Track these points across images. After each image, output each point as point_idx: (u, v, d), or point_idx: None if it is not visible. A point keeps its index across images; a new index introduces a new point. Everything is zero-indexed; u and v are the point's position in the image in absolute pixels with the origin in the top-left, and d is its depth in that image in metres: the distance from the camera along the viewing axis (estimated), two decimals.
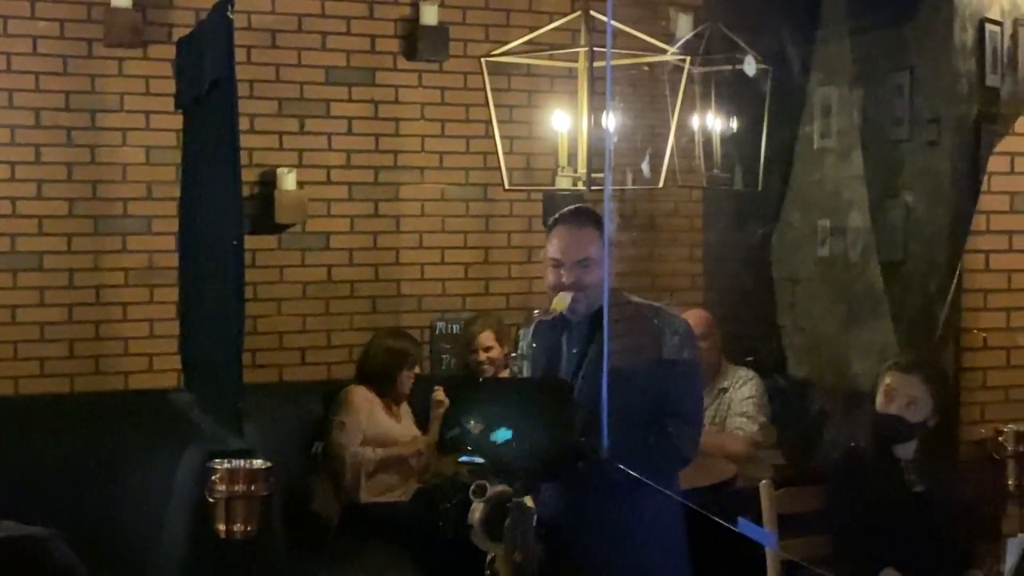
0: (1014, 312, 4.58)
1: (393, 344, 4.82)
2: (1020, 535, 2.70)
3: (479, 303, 5.42)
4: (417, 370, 4.82)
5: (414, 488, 4.71)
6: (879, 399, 3.44)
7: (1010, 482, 3.44)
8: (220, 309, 3.95)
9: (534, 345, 3.15)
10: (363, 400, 4.70)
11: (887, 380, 3.44)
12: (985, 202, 4.46)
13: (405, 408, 4.87)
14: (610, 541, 2.98)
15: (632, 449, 2.89)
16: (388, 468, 4.67)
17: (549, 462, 2.60)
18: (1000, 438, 3.47)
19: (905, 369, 3.45)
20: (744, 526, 1.87)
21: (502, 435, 2.61)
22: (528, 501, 2.62)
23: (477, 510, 2.64)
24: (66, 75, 4.77)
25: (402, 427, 4.80)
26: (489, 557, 2.78)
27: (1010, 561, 2.65)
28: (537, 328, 3.15)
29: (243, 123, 4.41)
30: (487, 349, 4.82)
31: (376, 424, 4.69)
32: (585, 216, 3.10)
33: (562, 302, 2.98)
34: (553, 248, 3.06)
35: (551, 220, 3.17)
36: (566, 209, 3.21)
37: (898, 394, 3.40)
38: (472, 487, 2.59)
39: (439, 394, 4.78)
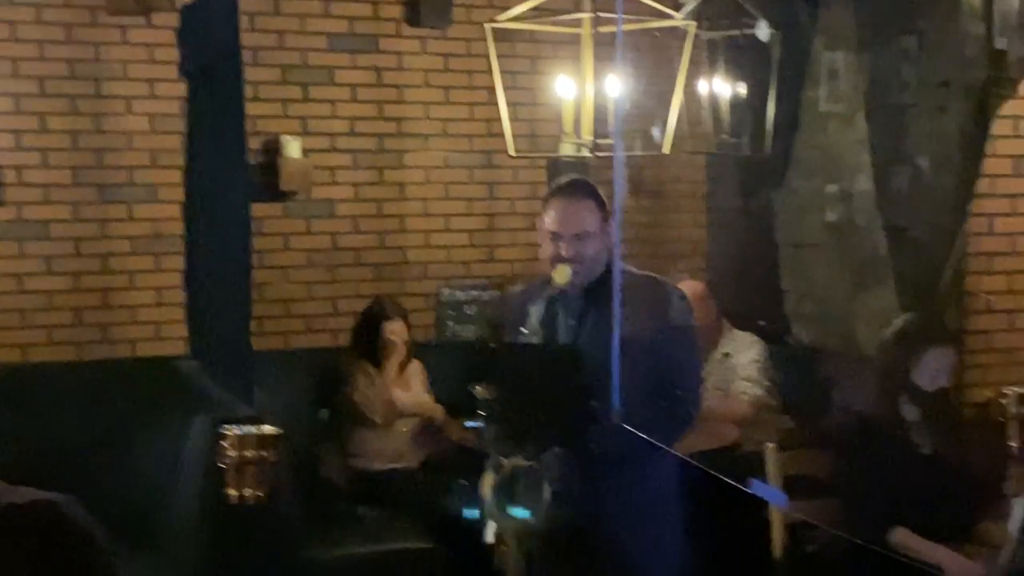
0: (1018, 275, 4.59)
1: (371, 309, 4.84)
2: None
3: (484, 270, 5.43)
4: (402, 323, 4.79)
5: (422, 455, 4.74)
6: (921, 377, 3.39)
7: (1013, 443, 3.45)
8: (227, 277, 3.95)
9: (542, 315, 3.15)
10: (366, 373, 4.70)
11: (928, 358, 3.39)
12: (989, 166, 4.46)
13: (417, 372, 4.86)
14: (621, 504, 3.00)
15: (640, 413, 2.91)
16: (398, 441, 4.68)
17: (561, 427, 2.62)
18: (1003, 400, 3.47)
19: (943, 342, 3.43)
20: (757, 487, 1.89)
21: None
22: (539, 467, 2.65)
23: (488, 483, 2.66)
24: (70, 43, 4.76)
25: (412, 395, 4.80)
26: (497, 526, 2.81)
27: (1016, 520, 2.67)
28: (547, 302, 3.14)
29: (247, 91, 4.40)
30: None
31: (383, 395, 4.70)
32: (582, 188, 3.10)
33: (563, 275, 2.98)
34: (551, 220, 3.06)
35: (548, 191, 3.17)
36: (562, 180, 3.21)
37: (943, 370, 3.39)
38: (488, 459, 2.61)
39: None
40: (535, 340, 2.95)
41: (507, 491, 2.74)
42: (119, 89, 4.84)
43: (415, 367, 4.89)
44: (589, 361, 2.81)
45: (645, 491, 3.03)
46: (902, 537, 3.24)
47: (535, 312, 2.97)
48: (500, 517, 2.68)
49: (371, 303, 4.90)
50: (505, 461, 2.63)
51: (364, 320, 4.83)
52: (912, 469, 3.33)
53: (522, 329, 2.97)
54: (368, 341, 4.77)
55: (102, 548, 1.47)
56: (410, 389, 4.82)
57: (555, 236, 3.03)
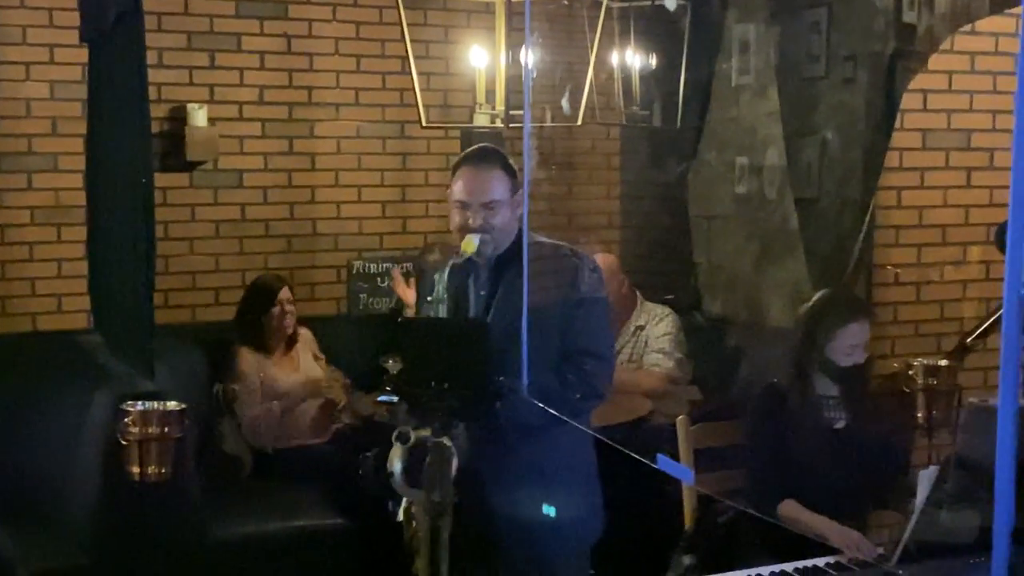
0: (925, 248, 4.65)
1: (254, 286, 4.75)
2: (931, 467, 2.75)
3: (397, 242, 5.38)
4: (289, 306, 4.70)
5: (332, 429, 4.68)
6: (838, 352, 3.39)
7: (920, 415, 3.50)
8: (130, 249, 3.86)
9: (449, 284, 3.11)
10: (250, 363, 4.60)
11: (844, 333, 3.40)
12: (898, 139, 4.51)
13: (306, 346, 4.78)
14: (527, 479, 2.98)
15: (550, 387, 2.89)
16: (297, 420, 4.62)
17: (469, 401, 2.59)
18: (910, 372, 3.52)
19: (860, 317, 3.44)
20: (662, 462, 1.87)
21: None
22: (447, 441, 2.62)
23: (397, 457, 2.63)
24: None
25: (300, 374, 4.71)
26: (406, 502, 2.77)
27: (921, 493, 2.70)
28: (449, 272, 3.11)
29: (151, 57, 4.28)
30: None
31: (270, 380, 4.61)
32: (491, 156, 3.06)
33: (471, 245, 2.94)
34: (459, 189, 3.01)
35: (456, 160, 3.13)
36: (471, 149, 3.17)
37: (859, 345, 3.41)
38: (396, 433, 2.57)
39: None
40: (440, 309, 2.91)
41: (416, 471, 2.70)
42: (17, 55, 4.68)
43: (304, 338, 4.80)
44: (498, 333, 2.78)
45: (555, 464, 3.01)
46: (788, 509, 3.26)
47: (440, 281, 2.93)
48: (408, 493, 2.64)
49: (252, 285, 4.80)
50: (413, 436, 2.59)
51: (245, 306, 4.73)
52: (822, 442, 3.35)
53: (427, 298, 2.94)
54: (250, 327, 4.67)
55: None
56: (298, 369, 4.72)
57: (463, 205, 2.99)
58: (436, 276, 2.97)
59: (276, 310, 4.67)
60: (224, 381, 4.61)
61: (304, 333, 4.80)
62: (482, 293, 3.03)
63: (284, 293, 4.70)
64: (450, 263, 2.95)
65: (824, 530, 3.14)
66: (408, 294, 4.54)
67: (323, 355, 4.87)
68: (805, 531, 3.12)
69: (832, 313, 3.44)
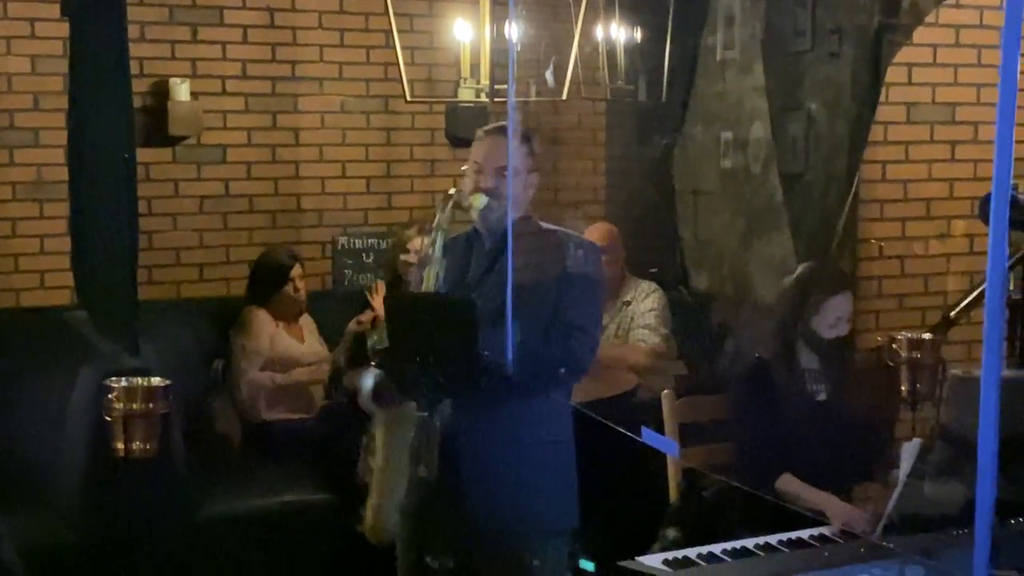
0: (909, 221, 4.66)
1: (271, 259, 4.75)
2: (914, 440, 2.77)
3: (381, 217, 5.36)
4: (300, 283, 4.72)
5: (319, 405, 4.68)
6: (818, 324, 3.41)
7: (904, 388, 3.51)
8: (113, 224, 3.84)
9: (444, 258, 3.11)
10: (263, 322, 4.63)
11: (826, 306, 3.40)
12: (883, 113, 4.50)
13: (308, 323, 4.81)
14: (512, 454, 2.98)
15: (535, 363, 2.89)
16: (290, 392, 4.63)
17: (452, 377, 2.59)
18: (894, 345, 3.53)
19: (840, 290, 3.44)
20: (648, 436, 1.87)
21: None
22: (433, 416, 2.62)
23: (371, 376, 2.64)
24: None
25: (306, 346, 4.74)
26: (367, 437, 2.79)
27: (905, 465, 2.71)
28: (449, 241, 3.11)
29: (133, 31, 4.26)
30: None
31: (278, 346, 4.63)
32: (515, 129, 3.09)
33: (478, 199, 2.97)
34: (476, 152, 3.06)
35: (482, 129, 3.16)
36: (499, 123, 3.20)
37: (841, 319, 3.41)
38: (376, 352, 2.59)
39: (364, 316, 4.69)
40: (432, 271, 2.92)
41: (385, 395, 2.72)
42: None
43: (307, 318, 4.83)
44: (491, 309, 2.79)
45: (540, 440, 3.01)
46: (785, 483, 3.27)
47: (437, 241, 2.94)
48: (376, 413, 2.67)
49: (267, 252, 4.82)
50: (399, 412, 2.60)
51: (260, 270, 4.74)
52: (807, 416, 3.36)
53: (430, 252, 2.92)
54: (266, 291, 4.68)
55: None
56: (304, 340, 4.75)
57: (478, 168, 3.02)
58: (435, 236, 2.98)
59: (289, 288, 4.68)
60: (225, 355, 4.61)
61: (306, 315, 4.82)
62: (481, 268, 3.04)
63: (296, 270, 4.71)
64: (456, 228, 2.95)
65: (824, 504, 3.15)
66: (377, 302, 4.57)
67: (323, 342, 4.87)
68: (803, 505, 3.14)
69: (816, 286, 3.45)
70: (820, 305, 3.39)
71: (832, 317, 3.39)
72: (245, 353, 4.57)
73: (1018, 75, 1.27)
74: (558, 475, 3.06)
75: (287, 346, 4.66)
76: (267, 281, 4.71)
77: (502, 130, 3.08)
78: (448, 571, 2.96)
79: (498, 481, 2.95)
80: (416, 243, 4.73)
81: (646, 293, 4.75)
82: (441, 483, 2.72)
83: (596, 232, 4.46)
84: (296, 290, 4.70)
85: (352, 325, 4.66)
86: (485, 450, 2.92)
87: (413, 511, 3.01)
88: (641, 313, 4.70)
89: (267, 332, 4.61)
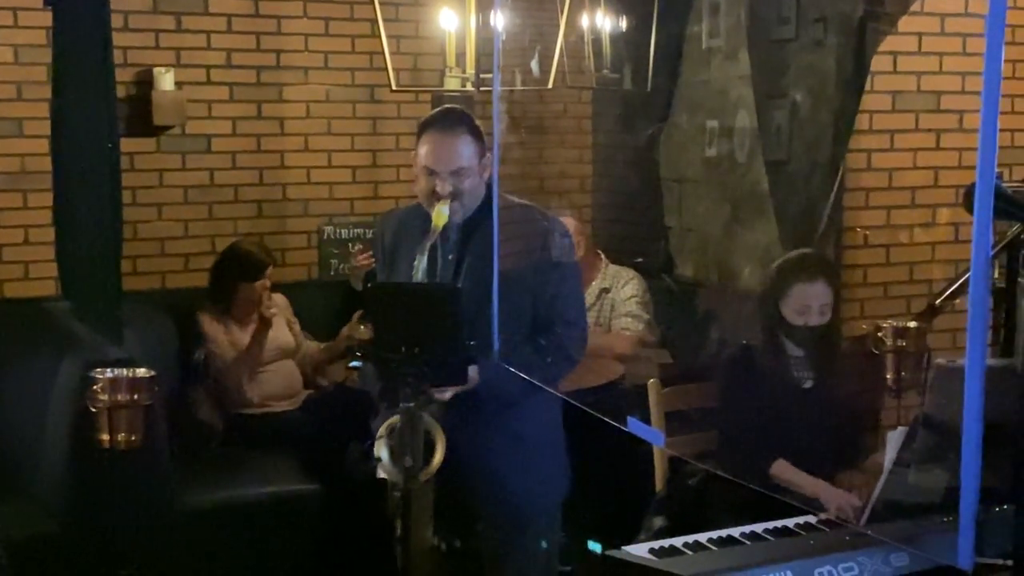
0: (894, 210, 4.67)
1: (236, 253, 4.65)
2: (899, 428, 2.77)
3: (367, 207, 5.35)
4: (267, 282, 4.59)
5: (303, 395, 4.67)
6: (789, 312, 3.41)
7: (889, 376, 3.51)
8: (98, 215, 3.83)
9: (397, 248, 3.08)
10: (215, 329, 4.54)
11: (795, 294, 3.41)
12: (868, 101, 4.51)
13: (276, 316, 4.70)
14: (500, 444, 2.99)
15: (522, 352, 2.89)
16: (273, 374, 4.59)
17: (438, 366, 2.59)
18: (880, 334, 3.53)
19: (811, 278, 3.44)
20: (634, 425, 1.88)
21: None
22: (418, 406, 2.62)
23: (383, 445, 2.66)
24: None
25: (271, 340, 4.62)
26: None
27: (890, 453, 2.72)
28: (409, 231, 3.07)
29: (116, 20, 4.24)
30: None
31: (240, 347, 4.55)
32: (457, 120, 3.00)
33: (441, 217, 2.89)
34: (425, 155, 2.96)
35: (421, 123, 3.08)
36: (436, 111, 3.13)
37: (812, 307, 3.41)
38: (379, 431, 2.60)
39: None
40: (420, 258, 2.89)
41: (388, 432, 2.72)
42: None
43: (279, 304, 4.70)
44: (468, 298, 2.77)
45: (527, 428, 3.02)
46: (779, 470, 3.28)
47: (421, 256, 2.88)
48: (397, 479, 2.67)
49: (225, 252, 4.70)
50: (386, 402, 2.60)
51: (218, 275, 4.64)
52: (792, 404, 3.37)
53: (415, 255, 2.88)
54: (223, 297, 4.59)
55: None
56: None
57: (431, 172, 2.95)
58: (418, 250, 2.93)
59: (258, 285, 4.56)
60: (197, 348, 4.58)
61: (279, 299, 4.75)
62: (449, 257, 3.00)
63: (269, 270, 4.61)
64: (427, 244, 2.88)
65: (818, 491, 3.16)
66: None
67: (296, 320, 4.84)
68: (796, 492, 3.15)
69: (786, 273, 3.46)
70: (800, 293, 3.40)
71: (800, 304, 3.39)
72: (215, 356, 4.53)
73: (1003, 64, 1.27)
74: (549, 461, 3.07)
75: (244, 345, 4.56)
76: (219, 285, 4.60)
77: (446, 123, 2.98)
78: (456, 552, 2.96)
79: (486, 465, 2.95)
80: None
81: (625, 280, 4.74)
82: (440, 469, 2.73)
83: None
84: (261, 299, 4.53)
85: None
86: (475, 439, 2.92)
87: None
88: (622, 301, 4.69)
89: (222, 335, 4.55)
